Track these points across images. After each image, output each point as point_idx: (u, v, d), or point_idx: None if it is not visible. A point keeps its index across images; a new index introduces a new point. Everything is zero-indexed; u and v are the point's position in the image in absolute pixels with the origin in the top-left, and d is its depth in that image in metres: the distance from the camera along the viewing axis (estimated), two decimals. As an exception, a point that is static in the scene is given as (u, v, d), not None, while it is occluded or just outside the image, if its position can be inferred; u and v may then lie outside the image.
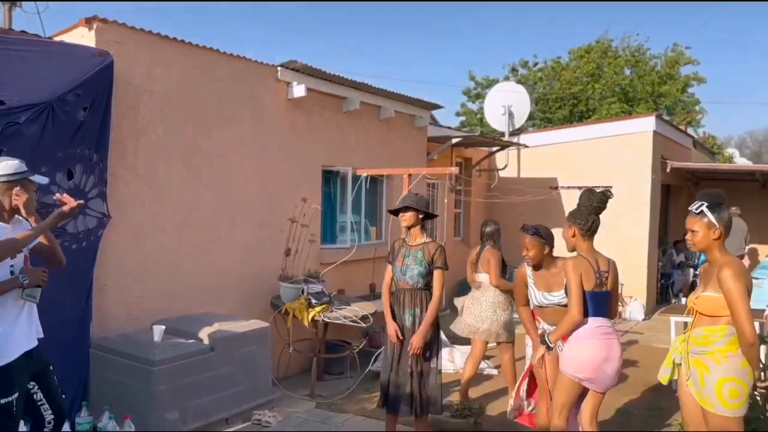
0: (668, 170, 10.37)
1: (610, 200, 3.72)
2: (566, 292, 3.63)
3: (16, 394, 3.08)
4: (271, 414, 4.93)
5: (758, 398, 3.68)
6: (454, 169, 5.56)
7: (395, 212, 4.27)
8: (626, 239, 9.88)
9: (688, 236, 3.14)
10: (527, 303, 4.10)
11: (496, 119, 11.83)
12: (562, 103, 21.24)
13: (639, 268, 10.45)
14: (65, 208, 3.35)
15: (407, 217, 4.15)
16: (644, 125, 10.58)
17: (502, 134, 11.71)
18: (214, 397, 4.65)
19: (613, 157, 10.52)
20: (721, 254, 3.06)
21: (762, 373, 3.09)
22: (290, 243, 6.20)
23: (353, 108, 7.41)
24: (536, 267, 4.03)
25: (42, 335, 3.40)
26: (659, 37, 57.14)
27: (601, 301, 3.56)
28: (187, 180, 5.59)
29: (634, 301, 10.28)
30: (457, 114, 23.63)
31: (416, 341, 3.95)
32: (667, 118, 15.60)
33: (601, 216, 3.71)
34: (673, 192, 13.52)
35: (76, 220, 4.59)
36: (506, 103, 11.68)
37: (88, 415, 4.19)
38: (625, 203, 9.37)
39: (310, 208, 6.35)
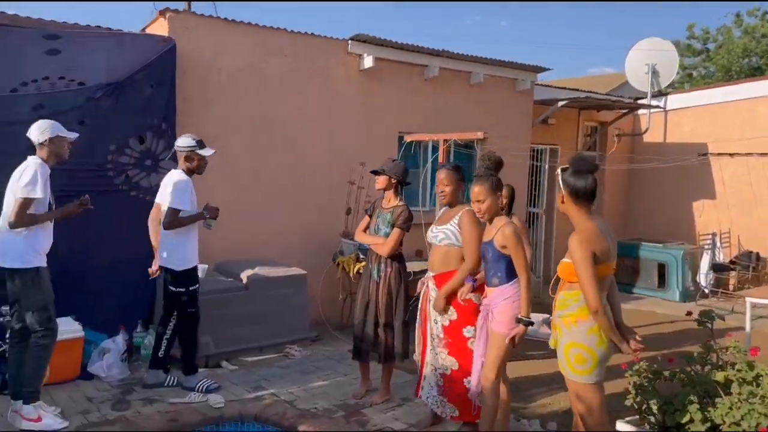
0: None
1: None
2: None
3: (197, 285, 4.63)
4: (298, 349, 5.63)
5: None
6: (481, 134, 5.57)
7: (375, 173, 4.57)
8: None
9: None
10: None
11: (638, 79, 10.93)
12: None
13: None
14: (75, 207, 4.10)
15: (380, 181, 4.46)
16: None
17: (643, 96, 10.80)
18: (248, 328, 5.47)
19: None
20: (577, 220, 2.99)
21: None
22: (350, 203, 6.77)
23: (432, 75, 7.64)
24: (451, 206, 3.97)
25: None
26: None
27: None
28: (255, 146, 6.44)
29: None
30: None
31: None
32: None
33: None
34: None
35: (149, 176, 5.66)
36: (650, 62, 10.72)
37: (142, 331, 5.27)
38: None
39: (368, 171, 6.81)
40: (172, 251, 4.60)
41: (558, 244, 10.02)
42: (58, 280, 4.30)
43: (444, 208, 4.06)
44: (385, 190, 4.49)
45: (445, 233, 3.84)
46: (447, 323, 3.84)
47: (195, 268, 4.69)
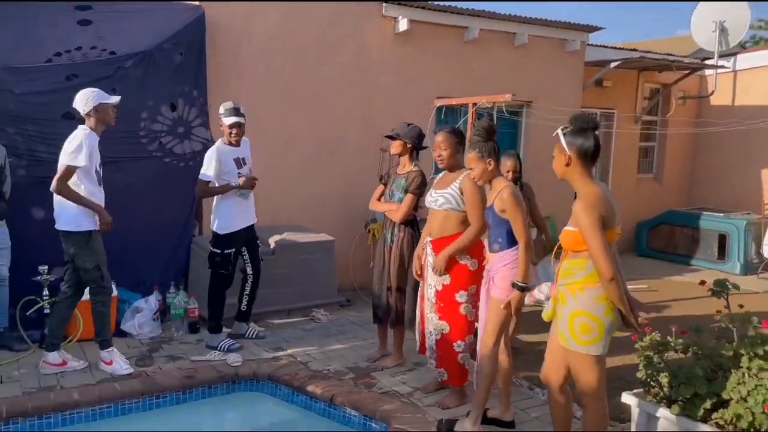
0: None
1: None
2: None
3: (233, 250, 4.79)
4: (324, 313, 5.71)
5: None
6: (508, 96, 5.33)
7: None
8: None
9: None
10: None
11: (704, 38, 10.18)
12: None
13: None
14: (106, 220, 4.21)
15: (394, 146, 4.39)
16: None
17: (710, 56, 10.08)
18: (275, 292, 5.57)
19: None
20: (580, 184, 2.79)
21: None
22: (383, 171, 6.70)
23: (472, 37, 7.40)
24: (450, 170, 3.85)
25: (256, 221, 5.03)
26: None
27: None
28: (286, 114, 6.47)
29: None
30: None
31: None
32: None
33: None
34: None
35: (183, 143, 5.81)
36: (719, 18, 9.96)
37: (174, 292, 5.47)
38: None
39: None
40: (215, 217, 4.87)
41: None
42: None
43: (443, 172, 3.96)
44: (400, 155, 4.42)
45: (446, 197, 3.74)
46: (440, 288, 3.77)
47: (234, 233, 4.82)
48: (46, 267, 4.86)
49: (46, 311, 4.89)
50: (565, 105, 8.04)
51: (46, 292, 4.88)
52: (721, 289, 3.14)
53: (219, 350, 4.72)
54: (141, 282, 5.59)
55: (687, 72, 9.54)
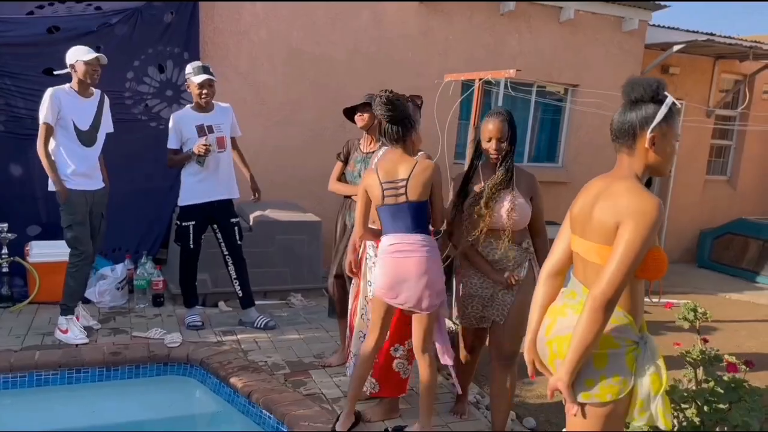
0: None
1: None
2: None
3: (191, 222, 4.44)
4: (300, 298, 5.28)
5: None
6: (512, 72, 4.61)
7: (350, 112, 3.94)
8: None
9: None
10: None
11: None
12: None
13: None
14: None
15: (365, 117, 3.84)
16: None
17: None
18: (250, 271, 5.18)
19: None
20: (638, 185, 1.93)
21: None
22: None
23: (509, 10, 6.67)
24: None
25: (234, 196, 4.61)
26: None
27: (397, 214, 2.87)
28: (291, 83, 6.06)
29: None
30: None
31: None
32: None
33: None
34: None
35: (171, 107, 5.53)
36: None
37: (144, 262, 5.22)
38: None
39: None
40: (181, 185, 4.52)
41: (672, 218, 8.58)
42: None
43: (383, 149, 3.39)
44: (367, 129, 3.87)
45: None
46: (380, 285, 3.23)
47: (192, 206, 4.45)
48: (6, 225, 4.75)
49: (5, 270, 4.80)
50: (619, 91, 7.14)
51: (5, 250, 4.77)
52: (690, 316, 2.41)
53: (255, 325, 4.58)
54: (117, 249, 5.41)
55: (770, 61, 8.29)
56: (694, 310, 2.44)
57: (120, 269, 5.04)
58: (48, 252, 4.77)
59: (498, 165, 3.02)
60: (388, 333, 3.11)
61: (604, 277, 1.76)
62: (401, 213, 2.86)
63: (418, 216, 2.87)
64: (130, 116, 5.37)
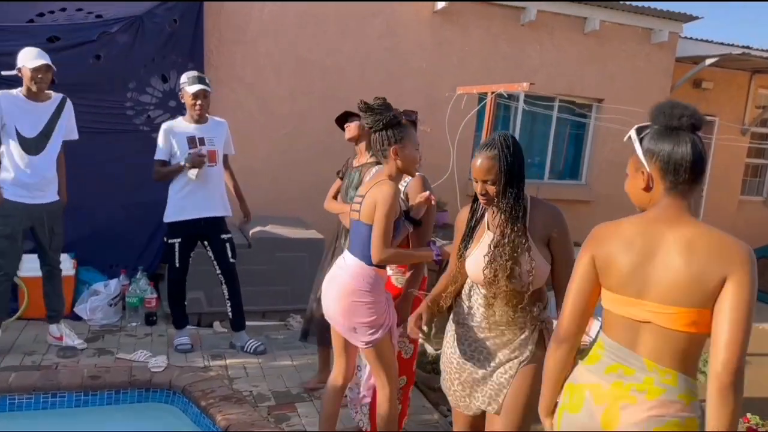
0: None
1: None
2: None
3: (177, 240, 4.19)
4: (299, 319, 5.02)
5: None
6: (526, 85, 4.30)
7: (341, 121, 3.71)
8: None
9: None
10: None
11: None
12: None
13: None
14: None
15: (350, 128, 3.60)
16: None
17: None
18: (248, 290, 4.93)
19: None
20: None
21: None
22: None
23: (529, 20, 6.37)
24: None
25: (225, 214, 4.36)
26: None
27: (352, 231, 2.68)
28: (299, 94, 5.85)
29: None
30: None
31: None
32: None
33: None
34: None
35: (174, 118, 5.34)
36: None
37: (140, 277, 5.03)
38: None
39: (426, 132, 5.88)
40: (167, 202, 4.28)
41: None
42: (67, 216, 4.24)
43: (377, 167, 3.12)
44: (356, 141, 3.63)
45: None
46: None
47: (179, 222, 4.20)
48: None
49: None
50: (647, 106, 6.75)
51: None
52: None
53: (245, 349, 4.34)
54: (114, 264, 5.23)
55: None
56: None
57: (114, 285, 4.86)
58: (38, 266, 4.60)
59: (494, 213, 2.22)
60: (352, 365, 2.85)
61: (731, 347, 1.47)
62: (354, 230, 2.66)
63: (364, 240, 2.56)
64: (131, 127, 5.22)
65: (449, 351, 2.34)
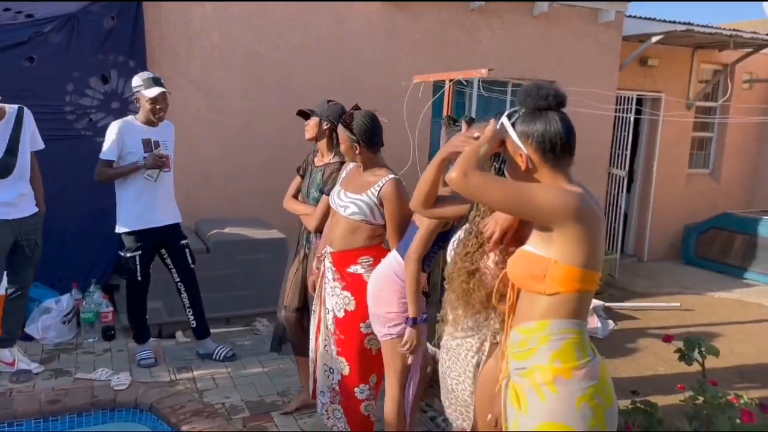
0: None
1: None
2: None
3: (137, 253, 3.96)
4: (266, 323, 4.89)
5: None
6: (484, 71, 4.27)
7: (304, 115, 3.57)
8: None
9: None
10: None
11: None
12: None
13: None
14: None
15: (309, 127, 3.46)
16: None
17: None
18: (210, 296, 4.76)
19: None
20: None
21: None
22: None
23: (479, 5, 6.32)
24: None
25: (179, 220, 4.17)
26: None
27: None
28: (248, 90, 5.65)
29: None
30: None
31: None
32: None
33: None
34: None
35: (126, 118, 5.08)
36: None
37: (93, 291, 4.78)
38: None
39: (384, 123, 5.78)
40: (117, 210, 4.05)
41: (656, 214, 8.34)
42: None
43: (351, 165, 3.01)
44: (316, 140, 3.49)
45: (359, 206, 2.79)
46: (341, 314, 2.85)
47: (137, 232, 3.98)
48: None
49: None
50: (598, 87, 6.86)
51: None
52: (689, 352, 2.06)
53: (214, 357, 4.19)
54: (64, 278, 4.94)
55: (750, 50, 8.05)
56: (698, 347, 2.09)
57: (66, 300, 4.59)
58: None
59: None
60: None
61: None
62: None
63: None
64: (72, 132, 4.93)
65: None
